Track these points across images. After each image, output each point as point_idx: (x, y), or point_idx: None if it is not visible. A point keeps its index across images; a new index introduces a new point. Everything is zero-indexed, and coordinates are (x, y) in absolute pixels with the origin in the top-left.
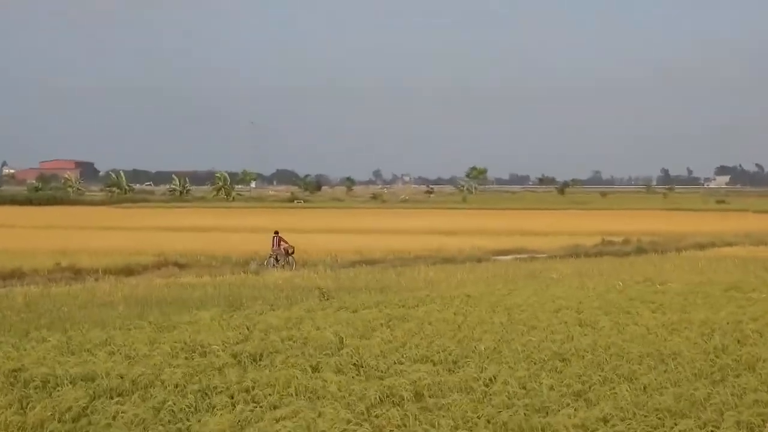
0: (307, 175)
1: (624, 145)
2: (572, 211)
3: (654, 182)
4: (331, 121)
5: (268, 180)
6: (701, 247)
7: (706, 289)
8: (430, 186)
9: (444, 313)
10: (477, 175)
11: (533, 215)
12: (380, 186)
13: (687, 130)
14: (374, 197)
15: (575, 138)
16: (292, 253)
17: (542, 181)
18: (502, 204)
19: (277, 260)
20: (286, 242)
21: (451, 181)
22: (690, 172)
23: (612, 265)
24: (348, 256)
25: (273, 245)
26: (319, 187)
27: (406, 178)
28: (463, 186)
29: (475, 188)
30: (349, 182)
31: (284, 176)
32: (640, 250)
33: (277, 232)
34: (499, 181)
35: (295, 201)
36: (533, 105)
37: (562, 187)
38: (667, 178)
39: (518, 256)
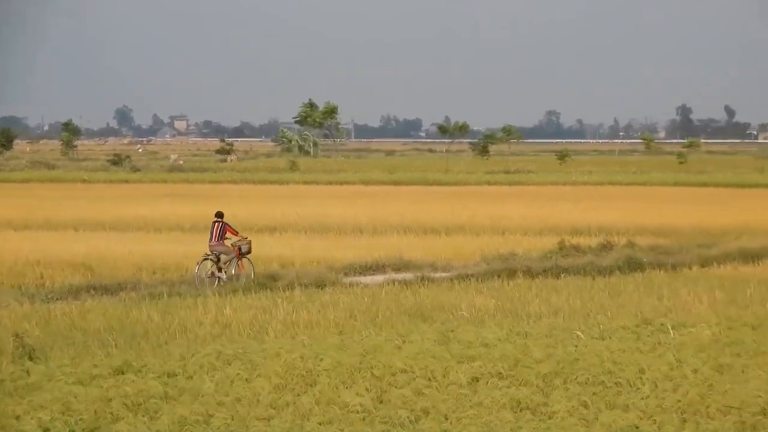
0: None
1: (603, 67)
2: (503, 188)
3: (662, 132)
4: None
5: None
6: (752, 257)
7: (761, 338)
8: (228, 140)
9: (253, 387)
10: (320, 118)
11: (425, 195)
12: (130, 139)
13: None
14: (116, 160)
15: (508, 49)
16: (248, 252)
17: (444, 130)
18: (368, 173)
19: (218, 267)
20: (236, 233)
21: (271, 128)
22: (731, 113)
23: (577, 294)
24: (67, 274)
25: (212, 238)
26: (9, 141)
27: (181, 125)
28: (292, 139)
29: (316, 143)
30: (69, 132)
31: None
32: (633, 264)
33: (220, 216)
34: (363, 131)
35: None
36: None
37: (485, 143)
38: (687, 124)
39: (397, 275)
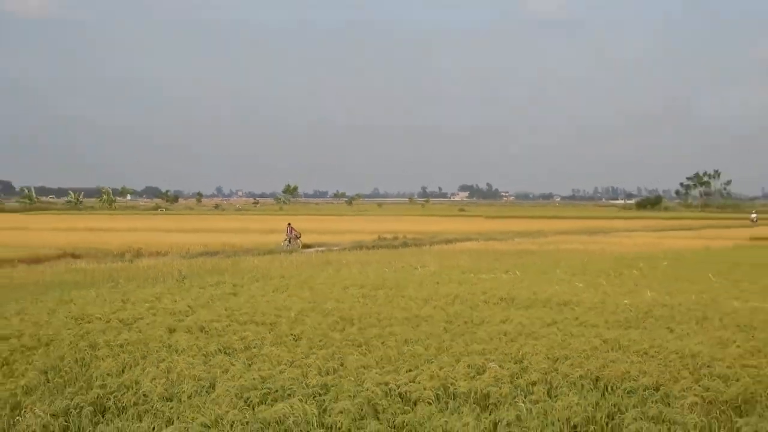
0: (167, 191)
1: (395, 168)
2: (357, 217)
3: (415, 196)
4: (184, 147)
5: (139, 194)
6: (448, 242)
7: (451, 271)
8: (256, 199)
9: (265, 289)
10: (290, 191)
11: (330, 219)
12: (221, 198)
13: (440, 160)
14: (216, 207)
15: (359, 164)
16: (300, 237)
17: (337, 195)
18: (307, 212)
19: (289, 242)
20: (296, 230)
21: (272, 195)
22: (440, 189)
23: (385, 255)
24: (197, 248)
25: (287, 232)
26: (176, 199)
27: (240, 193)
28: (280, 199)
29: (289, 200)
30: (199, 196)
31: (151, 191)
32: (406, 244)
33: (289, 223)
34: (307, 195)
35: (159, 209)
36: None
37: (351, 200)
38: (424, 193)
39: (319, 249)
